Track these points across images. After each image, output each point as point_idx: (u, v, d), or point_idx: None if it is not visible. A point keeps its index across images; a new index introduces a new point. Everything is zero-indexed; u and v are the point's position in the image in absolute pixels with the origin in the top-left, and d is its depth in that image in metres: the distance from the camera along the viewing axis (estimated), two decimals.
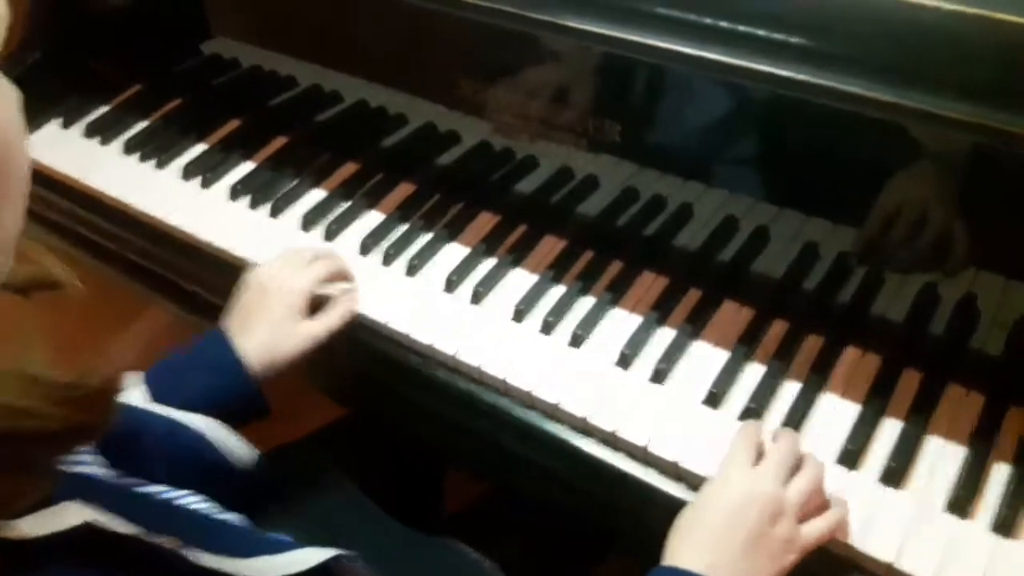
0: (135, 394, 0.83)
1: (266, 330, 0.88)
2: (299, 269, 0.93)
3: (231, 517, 0.71)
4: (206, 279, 1.09)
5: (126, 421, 0.73)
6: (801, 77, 0.75)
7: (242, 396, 0.85)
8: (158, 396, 0.82)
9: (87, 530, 0.52)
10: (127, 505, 0.58)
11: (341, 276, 0.98)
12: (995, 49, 0.69)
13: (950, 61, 0.71)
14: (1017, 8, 0.68)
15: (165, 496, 0.69)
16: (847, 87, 0.73)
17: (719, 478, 0.75)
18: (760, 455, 0.76)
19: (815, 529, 0.72)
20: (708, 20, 0.80)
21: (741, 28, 0.78)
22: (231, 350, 0.86)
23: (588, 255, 1.01)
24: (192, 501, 0.69)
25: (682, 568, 0.69)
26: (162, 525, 0.56)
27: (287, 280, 0.92)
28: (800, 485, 0.73)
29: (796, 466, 0.76)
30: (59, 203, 1.19)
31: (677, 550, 0.72)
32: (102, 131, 1.24)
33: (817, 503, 0.75)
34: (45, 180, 1.20)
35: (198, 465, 0.78)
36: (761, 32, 0.77)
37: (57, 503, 0.52)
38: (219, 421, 0.81)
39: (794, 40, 0.76)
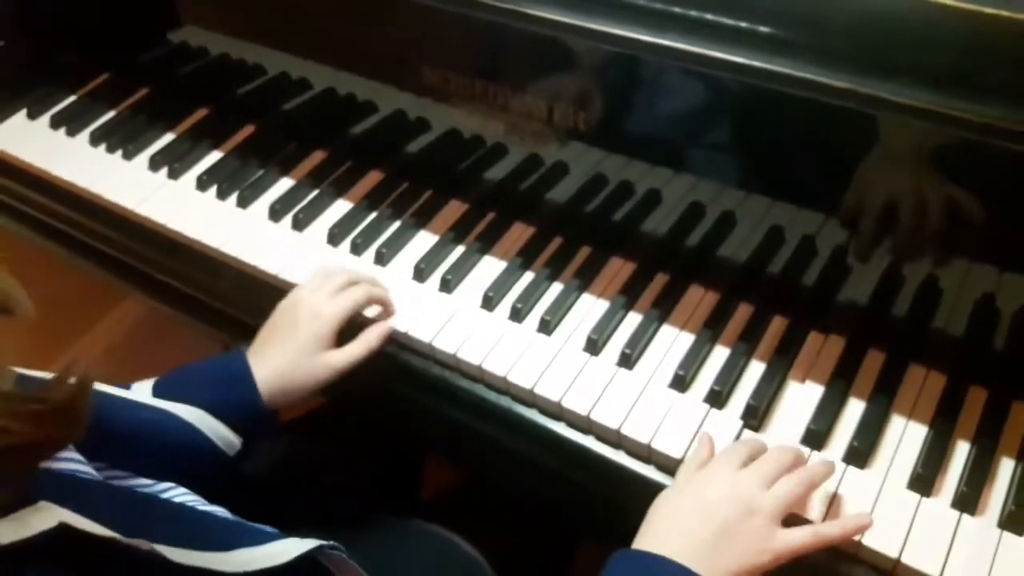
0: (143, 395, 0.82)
1: (286, 356, 0.86)
2: (335, 295, 0.91)
3: (214, 509, 0.70)
4: (177, 270, 1.09)
5: (110, 411, 0.73)
6: (763, 65, 0.75)
7: (250, 414, 0.83)
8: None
9: (62, 531, 0.51)
10: (106, 501, 0.57)
11: (380, 304, 0.95)
12: (951, 36, 0.70)
13: (908, 49, 0.71)
14: None
15: (147, 490, 0.68)
16: (807, 74, 0.74)
17: (703, 472, 0.75)
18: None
19: (796, 537, 0.70)
20: (674, 8, 0.80)
21: (707, 16, 0.78)
22: (246, 366, 0.84)
23: (557, 241, 1.02)
24: (175, 494, 0.69)
25: (649, 552, 0.70)
26: (141, 520, 0.56)
27: (319, 306, 0.89)
28: (782, 487, 0.72)
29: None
30: (26, 194, 1.18)
31: (647, 534, 0.73)
32: (68, 121, 1.23)
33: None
34: (11, 171, 1.19)
35: (184, 452, 0.77)
36: (726, 20, 0.78)
37: (33, 502, 0.51)
38: (206, 411, 0.80)
39: (758, 28, 0.77)
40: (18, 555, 0.49)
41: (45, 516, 0.51)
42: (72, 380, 0.53)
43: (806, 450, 0.81)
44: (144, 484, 0.68)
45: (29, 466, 0.52)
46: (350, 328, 0.92)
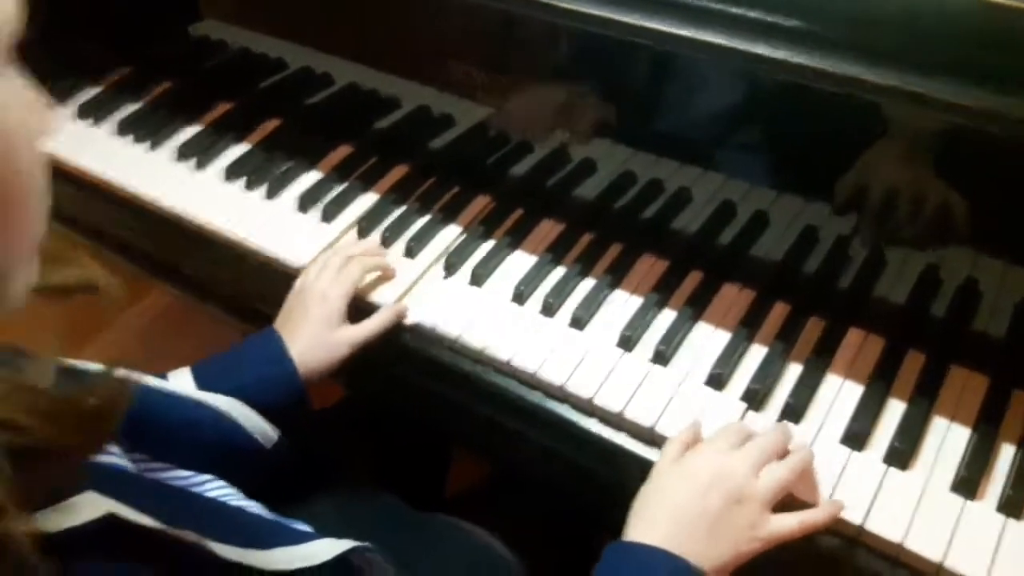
0: (181, 382, 0.83)
1: (303, 340, 0.89)
2: (336, 275, 0.94)
3: (251, 504, 0.70)
4: (202, 261, 1.08)
5: (147, 403, 0.72)
6: (797, 60, 0.74)
7: (289, 392, 0.85)
8: (203, 385, 0.82)
9: (110, 522, 0.50)
10: (148, 495, 0.56)
11: (380, 271, 0.98)
12: (999, 34, 0.69)
13: (952, 46, 0.70)
14: None
15: (185, 483, 0.67)
16: (846, 71, 0.73)
17: (692, 456, 0.75)
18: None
19: (785, 524, 0.71)
20: (711, 4, 0.79)
21: (735, 11, 0.77)
22: (283, 346, 0.87)
23: (587, 238, 1.01)
24: (213, 487, 0.68)
25: (642, 543, 0.69)
26: (182, 515, 0.55)
27: (323, 288, 0.92)
28: (773, 474, 0.72)
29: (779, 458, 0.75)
30: (51, 184, 1.17)
31: (640, 521, 0.72)
32: (94, 112, 1.23)
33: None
34: None
35: (222, 445, 0.78)
36: (756, 14, 0.77)
37: (79, 492, 0.50)
38: (244, 400, 0.81)
39: (790, 23, 0.75)
40: (65, 545, 0.47)
41: (91, 506, 0.49)
42: (111, 384, 0.51)
43: (793, 428, 0.80)
44: (183, 476, 0.67)
45: (52, 471, 0.48)
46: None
